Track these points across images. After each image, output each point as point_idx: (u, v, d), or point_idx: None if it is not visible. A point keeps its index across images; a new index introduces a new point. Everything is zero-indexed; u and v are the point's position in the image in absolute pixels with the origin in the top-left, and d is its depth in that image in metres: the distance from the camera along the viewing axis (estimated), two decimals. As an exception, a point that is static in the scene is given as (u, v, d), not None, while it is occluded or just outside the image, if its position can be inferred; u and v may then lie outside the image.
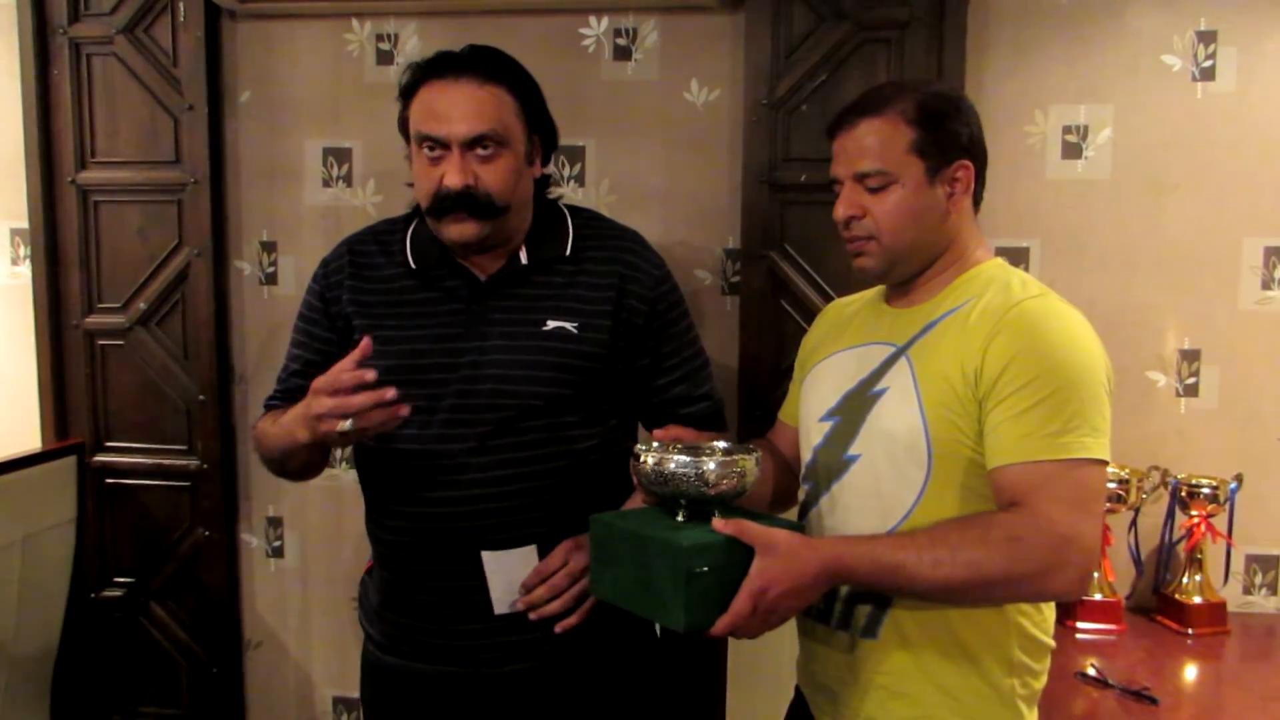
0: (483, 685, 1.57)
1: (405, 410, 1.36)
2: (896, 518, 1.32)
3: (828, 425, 1.42)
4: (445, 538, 1.54)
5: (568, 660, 1.56)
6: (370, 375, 1.34)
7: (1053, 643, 1.38)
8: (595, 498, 1.56)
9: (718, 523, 1.23)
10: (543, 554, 1.53)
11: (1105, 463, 1.25)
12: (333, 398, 1.35)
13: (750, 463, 1.31)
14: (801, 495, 1.49)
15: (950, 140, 1.35)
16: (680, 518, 1.30)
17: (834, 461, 1.40)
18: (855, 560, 1.22)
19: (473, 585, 1.53)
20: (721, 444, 1.38)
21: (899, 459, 1.32)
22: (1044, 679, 1.37)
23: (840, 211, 1.38)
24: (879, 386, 1.36)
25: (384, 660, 1.64)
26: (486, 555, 1.52)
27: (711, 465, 1.27)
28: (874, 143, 1.34)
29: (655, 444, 1.35)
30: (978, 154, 1.38)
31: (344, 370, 1.35)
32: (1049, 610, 1.38)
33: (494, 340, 1.53)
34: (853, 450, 1.37)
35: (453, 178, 1.47)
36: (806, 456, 1.47)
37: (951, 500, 1.30)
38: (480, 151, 1.48)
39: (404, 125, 1.56)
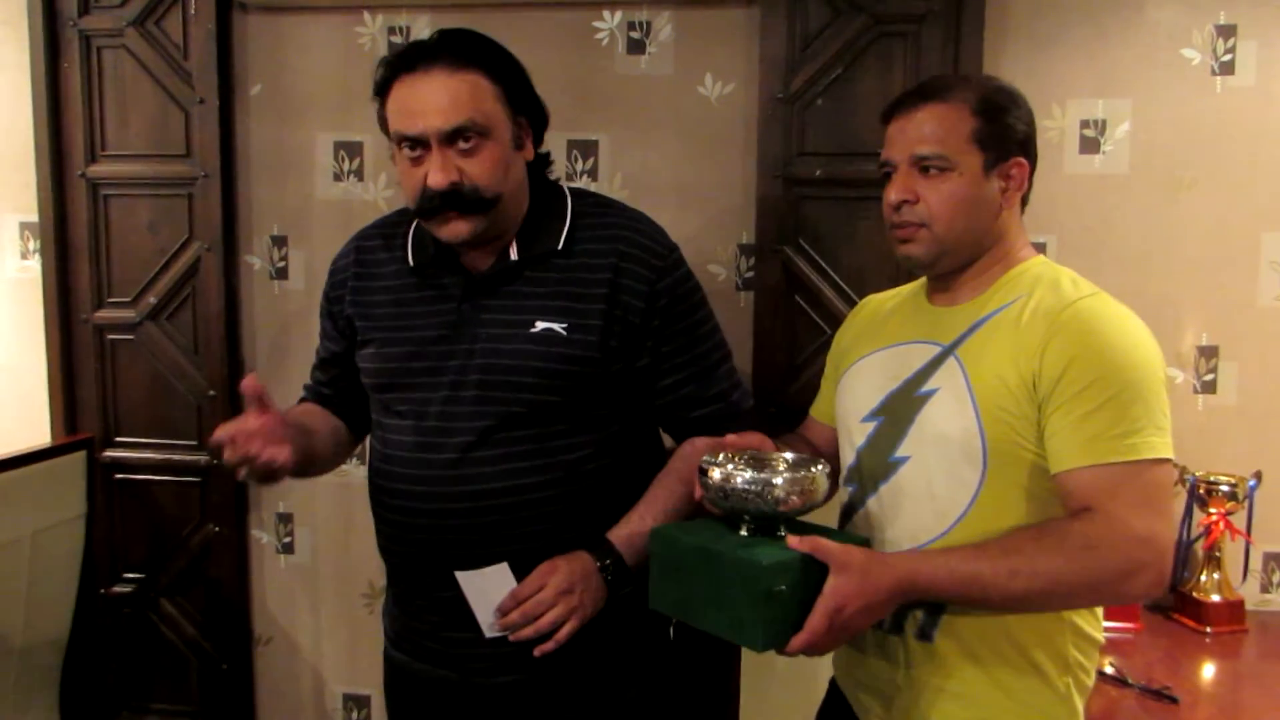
0: (474, 693, 1.53)
1: (283, 456, 1.38)
2: (951, 519, 1.30)
3: (871, 426, 1.40)
4: (426, 549, 1.49)
5: (557, 673, 1.50)
6: (224, 437, 1.36)
7: (1103, 638, 1.36)
8: (590, 511, 1.50)
9: (793, 540, 1.20)
10: (525, 570, 1.45)
11: (1171, 460, 1.23)
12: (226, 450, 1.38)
13: (821, 479, 1.27)
14: (845, 497, 1.46)
15: (1009, 135, 1.34)
16: (744, 532, 1.27)
17: (880, 463, 1.37)
18: (931, 574, 1.20)
19: (457, 599, 1.48)
20: (789, 455, 1.35)
21: (953, 461, 1.29)
22: (1094, 674, 1.36)
23: (893, 195, 1.35)
24: (928, 387, 1.33)
25: (394, 656, 1.63)
26: (460, 575, 1.47)
27: (780, 482, 1.24)
28: (937, 128, 1.32)
29: (721, 456, 1.32)
30: (1031, 154, 1.37)
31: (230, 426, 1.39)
32: (1100, 607, 1.37)
33: (481, 343, 1.46)
34: (901, 452, 1.35)
35: (435, 177, 1.39)
36: (849, 458, 1.44)
37: (1007, 501, 1.28)
38: (461, 145, 1.39)
39: (385, 124, 1.47)
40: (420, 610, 1.55)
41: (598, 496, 1.51)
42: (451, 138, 1.39)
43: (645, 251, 1.51)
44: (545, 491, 1.47)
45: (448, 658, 1.54)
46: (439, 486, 1.46)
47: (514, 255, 1.49)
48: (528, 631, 1.43)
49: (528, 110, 1.49)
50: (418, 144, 1.40)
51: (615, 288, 1.48)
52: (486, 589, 1.46)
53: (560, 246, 1.49)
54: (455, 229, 1.42)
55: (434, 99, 1.38)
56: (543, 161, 1.55)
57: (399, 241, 1.56)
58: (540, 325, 1.45)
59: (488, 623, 1.47)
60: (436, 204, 1.41)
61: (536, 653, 1.44)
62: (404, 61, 1.42)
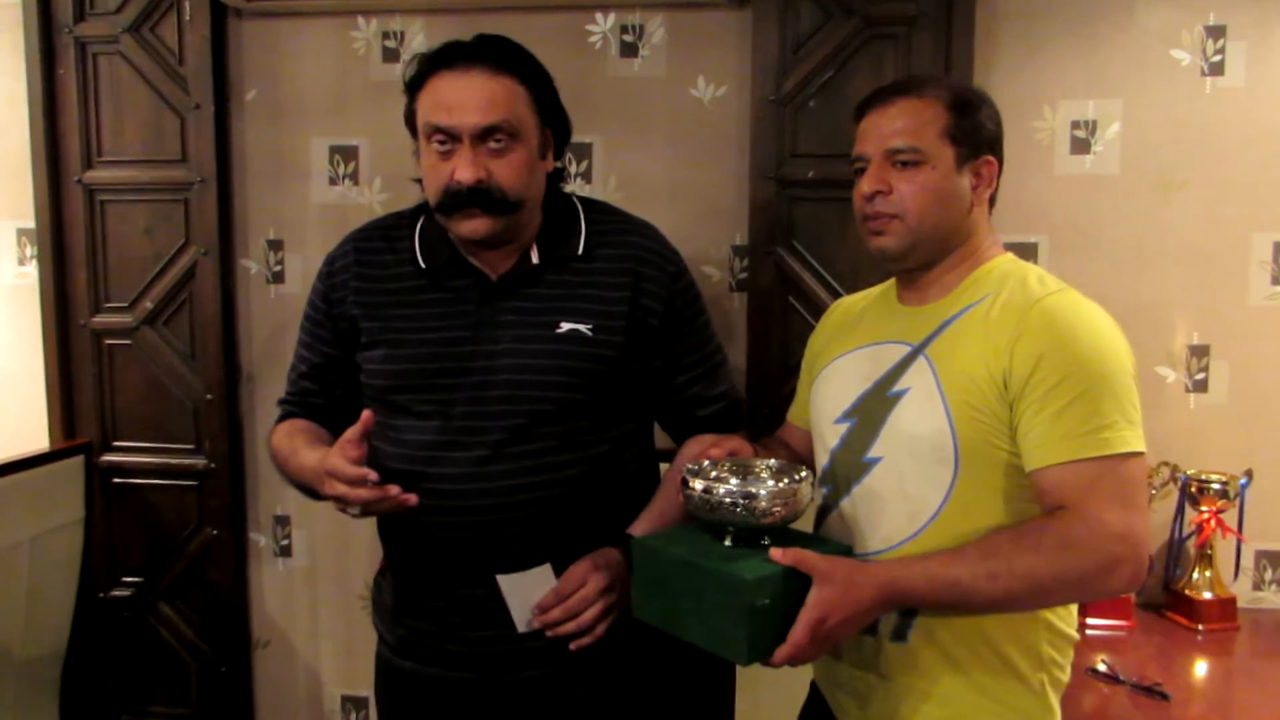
0: (496, 691, 1.54)
1: (413, 500, 1.35)
2: (924, 519, 1.31)
3: (844, 427, 1.41)
4: (458, 550, 1.50)
5: (582, 666, 1.52)
6: (372, 475, 1.32)
7: (1077, 635, 1.37)
8: (610, 506, 1.53)
9: (775, 552, 1.20)
10: (559, 567, 1.48)
11: (1143, 453, 1.24)
12: (341, 485, 1.34)
13: (804, 489, 1.28)
14: (818, 498, 1.46)
15: (980, 132, 1.36)
16: (727, 542, 1.27)
17: (853, 464, 1.38)
18: (911, 581, 1.21)
19: (486, 596, 1.50)
20: (773, 462, 1.35)
21: (924, 460, 1.30)
22: (1069, 670, 1.37)
23: (866, 186, 1.36)
24: (898, 387, 1.34)
25: (397, 663, 1.61)
26: (501, 579, 1.48)
27: (763, 494, 1.24)
28: (910, 122, 1.34)
29: (706, 463, 1.32)
30: (999, 154, 1.39)
31: (347, 458, 1.34)
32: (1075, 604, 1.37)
33: (505, 344, 1.48)
34: (873, 452, 1.35)
35: (464, 171, 1.42)
36: (823, 460, 1.45)
37: (980, 500, 1.29)
38: (492, 144, 1.42)
39: (410, 119, 1.50)
40: (439, 612, 1.54)
41: (618, 490, 1.55)
42: (484, 135, 1.42)
43: (661, 258, 1.58)
44: (573, 486, 1.50)
45: (469, 658, 1.54)
46: (470, 484, 1.47)
47: (535, 259, 1.52)
48: (569, 626, 1.46)
49: (554, 122, 1.53)
50: (449, 138, 1.43)
51: (636, 292, 1.53)
52: (526, 590, 1.48)
53: (580, 252, 1.54)
54: (475, 226, 1.44)
55: (472, 96, 1.42)
56: (558, 174, 1.59)
57: (403, 244, 1.57)
58: (565, 326, 1.49)
59: (524, 619, 1.49)
60: (461, 199, 1.43)
61: (573, 647, 1.47)
62: (443, 58, 1.45)
